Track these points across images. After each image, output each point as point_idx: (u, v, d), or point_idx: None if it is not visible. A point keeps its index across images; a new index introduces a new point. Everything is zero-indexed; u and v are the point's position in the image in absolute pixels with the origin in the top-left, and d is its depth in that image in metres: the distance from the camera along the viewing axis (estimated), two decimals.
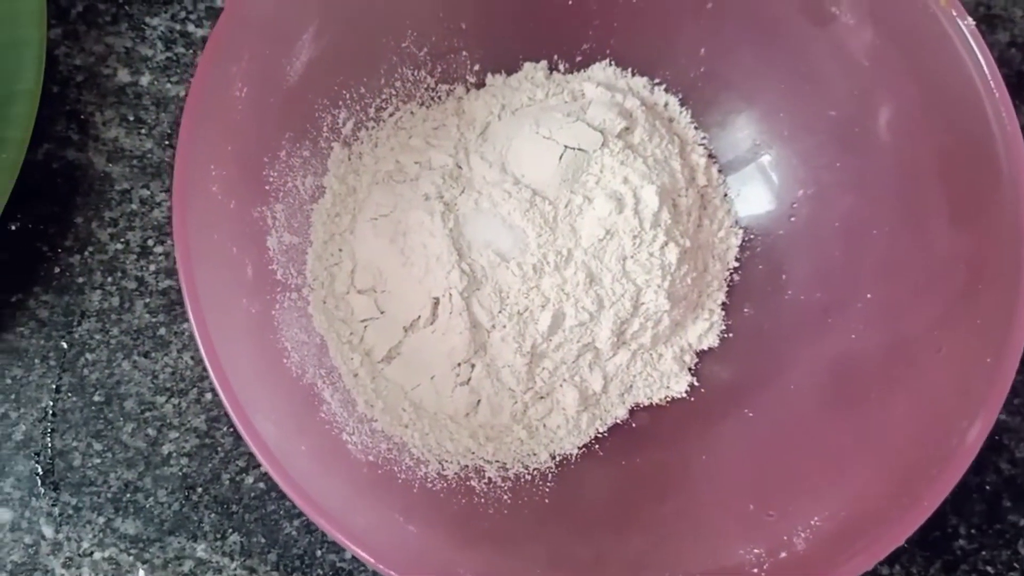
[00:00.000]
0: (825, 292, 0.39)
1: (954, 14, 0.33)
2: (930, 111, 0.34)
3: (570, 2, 0.40)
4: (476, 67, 0.42)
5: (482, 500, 0.36)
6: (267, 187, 0.35)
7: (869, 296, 0.37)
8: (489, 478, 0.37)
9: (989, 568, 0.41)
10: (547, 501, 0.37)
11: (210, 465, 0.40)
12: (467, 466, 0.37)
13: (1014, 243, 0.31)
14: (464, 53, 0.41)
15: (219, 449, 0.41)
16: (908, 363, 0.34)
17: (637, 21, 0.40)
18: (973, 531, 0.41)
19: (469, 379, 0.38)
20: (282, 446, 0.30)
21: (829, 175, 0.39)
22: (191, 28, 0.44)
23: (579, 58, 0.42)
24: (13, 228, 0.42)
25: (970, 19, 0.32)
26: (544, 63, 0.42)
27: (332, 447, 0.34)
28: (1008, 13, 0.46)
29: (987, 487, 0.42)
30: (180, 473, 0.40)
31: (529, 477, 0.38)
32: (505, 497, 0.37)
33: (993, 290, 0.32)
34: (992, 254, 0.32)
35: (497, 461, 0.38)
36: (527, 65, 0.42)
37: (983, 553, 0.41)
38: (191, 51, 0.44)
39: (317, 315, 0.37)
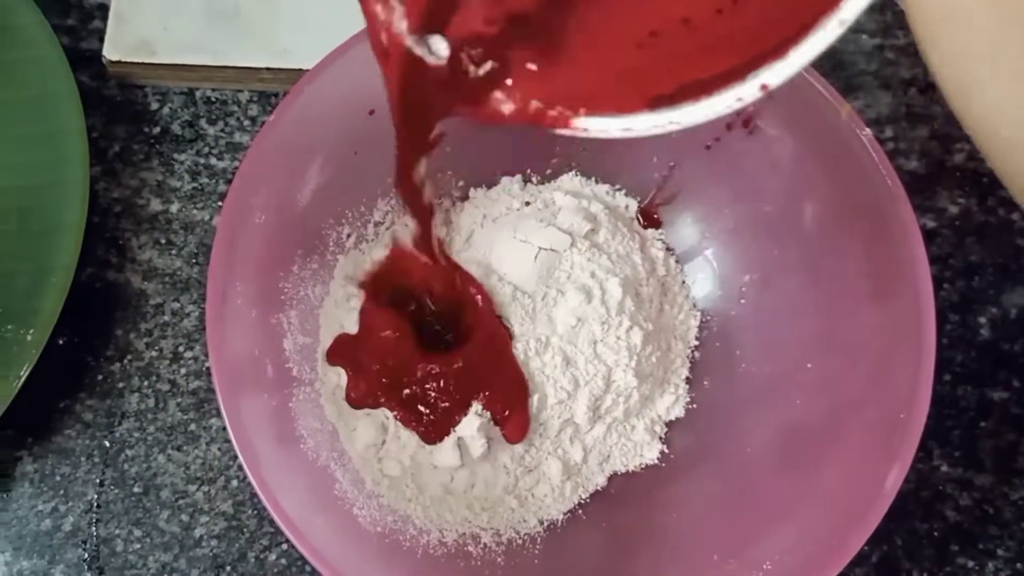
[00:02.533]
0: (773, 365, 0.44)
1: (854, 126, 0.39)
2: (844, 206, 0.40)
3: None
4: (460, 183, 0.48)
5: (478, 563, 0.41)
6: (282, 297, 0.41)
7: (810, 367, 0.42)
8: (484, 543, 0.42)
9: None
10: (536, 562, 0.42)
11: (237, 545, 0.45)
12: (464, 533, 0.42)
13: (916, 317, 0.37)
14: (449, 172, 0.47)
15: (244, 530, 0.46)
16: (841, 425, 0.39)
17: (598, 139, 0.47)
18: (925, 574, 0.46)
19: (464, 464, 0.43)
20: (303, 520, 0.35)
21: (769, 262, 0.45)
22: (213, 161, 0.51)
23: (549, 171, 0.48)
24: (61, 342, 0.48)
25: (867, 130, 0.39)
26: (519, 176, 0.48)
27: (345, 520, 0.39)
28: (928, 110, 0.52)
29: (936, 533, 0.46)
30: (211, 554, 0.45)
31: (520, 541, 0.43)
32: (499, 560, 0.42)
33: (903, 356, 0.37)
34: (902, 326, 0.38)
35: (491, 528, 0.43)
36: (504, 179, 0.48)
37: None
38: (214, 180, 0.51)
39: (328, 406, 0.42)
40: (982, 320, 0.49)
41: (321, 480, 0.40)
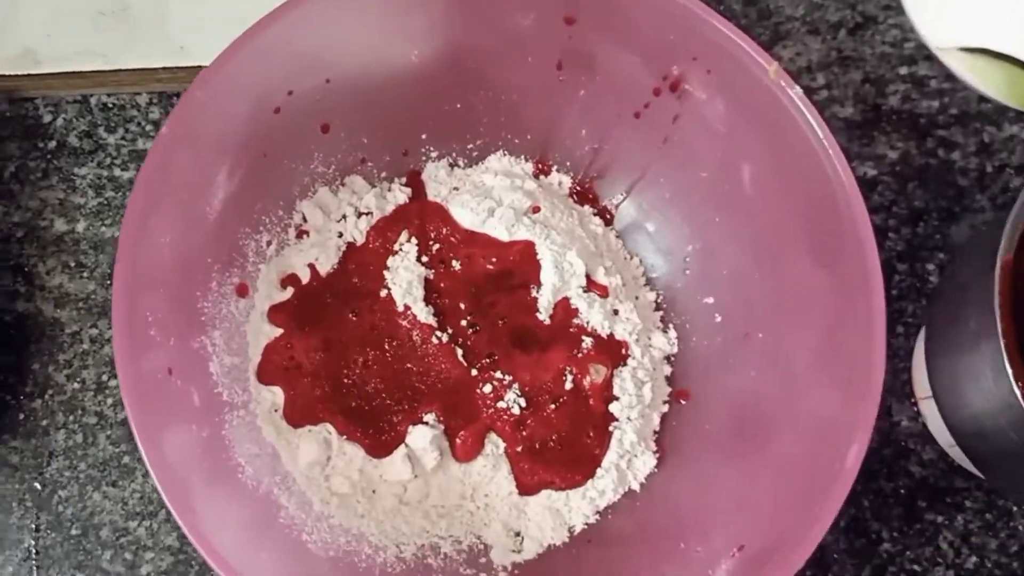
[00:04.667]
0: (723, 336, 0.42)
1: (783, 84, 0.37)
2: (781, 168, 0.39)
3: (459, 105, 0.44)
4: (383, 174, 0.45)
5: None
6: (203, 318, 0.39)
7: (760, 336, 0.41)
8: (445, 553, 0.40)
9: (916, 567, 0.44)
10: (503, 570, 0.40)
11: None
12: (423, 545, 0.40)
13: (863, 280, 0.35)
14: (369, 164, 0.45)
15: (193, 563, 0.43)
16: (797, 396, 0.38)
17: (520, 114, 0.44)
18: (895, 534, 0.45)
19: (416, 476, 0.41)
20: (244, 559, 0.33)
21: (711, 230, 0.43)
22: (117, 172, 0.48)
23: (475, 152, 0.46)
24: None
25: (797, 87, 0.37)
26: (444, 161, 0.46)
27: (293, 549, 0.37)
28: (859, 52, 0.50)
29: (902, 491, 0.45)
30: None
31: (482, 547, 0.41)
32: (462, 570, 0.40)
33: (854, 322, 0.36)
34: (849, 290, 0.36)
35: (451, 536, 0.41)
36: (429, 165, 0.46)
37: (907, 553, 0.44)
38: (120, 193, 0.47)
39: (265, 426, 0.40)
40: (930, 267, 0.48)
41: (264, 509, 0.37)
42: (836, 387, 0.36)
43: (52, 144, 0.48)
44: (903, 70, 0.50)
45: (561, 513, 0.41)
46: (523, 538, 0.41)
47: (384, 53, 0.41)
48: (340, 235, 0.44)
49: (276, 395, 0.41)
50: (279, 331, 0.41)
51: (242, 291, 0.41)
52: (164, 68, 0.47)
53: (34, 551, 0.43)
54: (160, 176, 0.36)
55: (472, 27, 0.41)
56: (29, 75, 0.47)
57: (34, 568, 0.43)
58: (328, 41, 0.39)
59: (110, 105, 0.49)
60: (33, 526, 0.44)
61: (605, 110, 0.43)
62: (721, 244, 0.43)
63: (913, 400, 0.45)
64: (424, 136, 0.45)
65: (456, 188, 0.45)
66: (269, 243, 0.42)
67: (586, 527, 0.41)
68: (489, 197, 0.44)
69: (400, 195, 0.45)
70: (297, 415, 0.40)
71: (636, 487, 0.42)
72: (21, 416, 0.45)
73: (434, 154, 0.46)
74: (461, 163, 0.46)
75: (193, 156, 0.38)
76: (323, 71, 0.40)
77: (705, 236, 0.43)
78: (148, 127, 0.48)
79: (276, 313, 0.42)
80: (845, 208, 0.36)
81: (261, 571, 0.34)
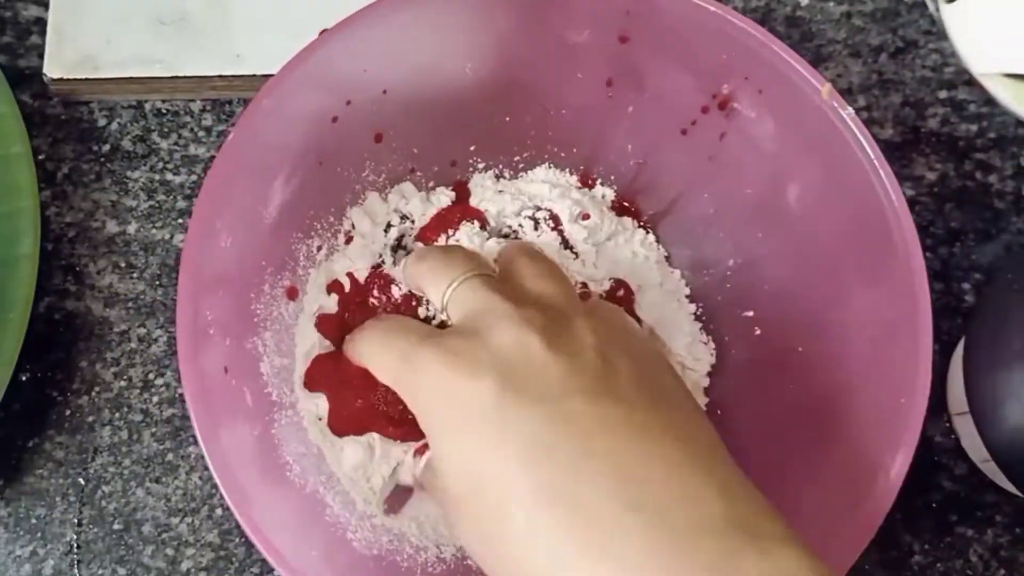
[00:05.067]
0: (762, 351, 0.43)
1: (836, 105, 0.38)
2: (830, 187, 0.39)
3: (507, 119, 0.45)
4: (431, 183, 0.46)
5: None
6: (255, 319, 0.39)
7: (800, 350, 0.41)
8: None
9: None
10: None
11: (227, 575, 0.44)
12: (463, 547, 0.41)
13: (911, 300, 0.36)
14: (419, 173, 0.45)
15: (234, 559, 0.44)
16: (838, 411, 0.38)
17: (567, 128, 0.45)
18: (927, 546, 0.45)
19: None
20: (297, 554, 0.34)
21: (753, 245, 0.43)
22: (169, 176, 0.49)
23: (521, 164, 0.47)
24: (24, 379, 0.46)
25: (849, 108, 0.37)
26: (491, 172, 0.47)
27: (339, 547, 0.38)
28: (899, 76, 0.51)
29: (934, 504, 0.46)
30: None
31: None
32: None
33: (901, 340, 0.36)
34: (897, 309, 0.37)
35: None
36: (475, 176, 0.47)
37: (938, 565, 0.45)
38: (171, 197, 0.48)
39: (311, 428, 0.40)
40: (966, 286, 0.48)
41: (311, 507, 0.38)
42: (878, 402, 0.36)
43: (106, 147, 0.49)
44: (942, 94, 0.51)
45: None
46: None
47: (440, 66, 0.42)
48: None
49: (319, 406, 0.41)
50: (324, 339, 0.42)
51: (292, 294, 0.42)
52: (220, 76, 0.48)
53: (76, 545, 0.44)
54: (226, 181, 0.37)
55: (527, 43, 0.42)
56: (87, 79, 0.48)
57: (75, 562, 0.44)
58: (388, 53, 0.40)
59: (164, 111, 0.50)
60: (76, 520, 0.44)
61: (652, 126, 0.44)
62: (763, 259, 0.43)
63: (946, 417, 0.46)
64: (472, 148, 0.46)
65: (501, 191, 0.46)
66: (319, 248, 0.43)
67: None
68: (535, 204, 0.45)
69: (444, 199, 0.46)
70: (342, 425, 0.41)
71: None
72: (68, 412, 0.46)
73: (481, 165, 0.47)
74: (507, 174, 0.47)
75: (256, 163, 0.38)
76: (381, 82, 0.41)
77: (747, 251, 0.44)
78: (201, 133, 0.49)
79: (324, 323, 0.42)
80: (896, 227, 0.36)
81: (311, 566, 0.35)
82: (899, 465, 0.34)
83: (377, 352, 0.38)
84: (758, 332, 0.44)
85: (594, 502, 0.30)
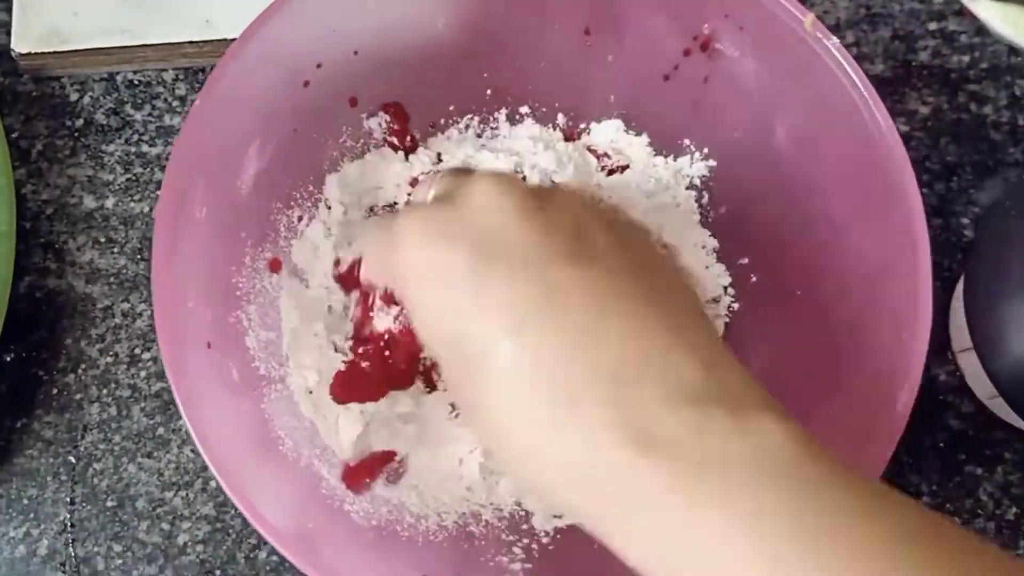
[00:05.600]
0: (760, 297, 0.42)
1: (819, 35, 0.36)
2: (819, 123, 0.38)
3: (485, 75, 0.44)
4: (411, 146, 0.45)
5: (482, 543, 0.39)
6: (238, 292, 0.39)
7: (799, 293, 0.40)
8: (487, 520, 0.40)
9: (955, 518, 0.44)
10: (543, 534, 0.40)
11: (224, 547, 0.43)
12: (464, 513, 0.40)
13: (910, 235, 0.35)
14: (396, 138, 0.44)
15: (230, 531, 0.44)
16: (840, 350, 0.38)
17: (548, 81, 0.44)
18: (935, 487, 0.45)
19: None
20: (291, 528, 0.33)
21: (743, 191, 0.42)
22: (145, 148, 0.48)
23: (504, 121, 0.45)
24: (8, 359, 0.45)
25: (834, 38, 0.36)
26: (471, 132, 0.45)
27: (336, 519, 0.37)
28: (887, 9, 0.50)
29: (941, 444, 0.45)
30: (198, 560, 0.43)
31: (523, 513, 0.41)
32: (504, 536, 0.40)
33: (899, 277, 0.35)
34: (894, 247, 0.36)
35: (492, 504, 0.41)
36: (455, 135, 0.45)
37: (947, 506, 0.44)
38: (148, 169, 0.47)
39: (302, 401, 0.40)
40: (965, 221, 0.47)
41: (305, 480, 0.38)
42: (880, 341, 0.36)
43: (79, 122, 0.48)
44: (932, 25, 0.49)
45: None
46: None
47: (411, 22, 0.41)
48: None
49: (308, 379, 0.40)
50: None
51: (275, 266, 0.41)
52: (190, 42, 0.47)
53: (70, 524, 0.44)
54: (195, 149, 0.36)
55: None
56: (55, 53, 0.46)
57: (70, 541, 0.43)
58: (356, 11, 0.39)
59: (136, 82, 0.48)
60: (68, 499, 0.44)
61: (634, 74, 0.43)
62: (754, 204, 0.42)
63: (950, 354, 0.45)
64: (452, 108, 0.45)
65: (483, 147, 0.45)
66: (300, 218, 0.42)
67: None
68: (517, 158, 0.44)
69: (426, 161, 0.45)
70: (344, 394, 0.40)
71: None
72: (55, 391, 0.45)
73: (462, 124, 0.45)
74: (490, 132, 0.46)
75: (225, 130, 0.38)
76: (351, 43, 0.40)
77: (737, 197, 0.43)
78: (175, 103, 0.48)
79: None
80: (888, 159, 0.35)
81: (308, 540, 0.34)
82: (904, 400, 0.33)
83: (369, 252, 0.38)
84: (754, 279, 0.43)
85: (567, 366, 0.29)
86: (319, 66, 0.40)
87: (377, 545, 0.37)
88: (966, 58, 0.49)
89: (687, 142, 0.44)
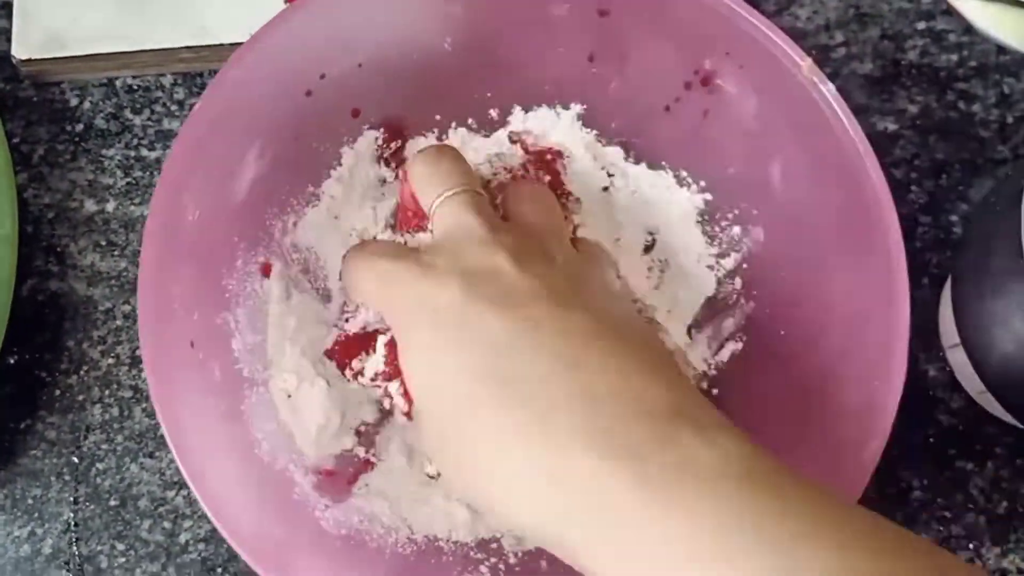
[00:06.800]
0: (743, 332, 0.43)
1: (816, 80, 0.37)
2: (812, 164, 0.39)
3: (489, 94, 0.44)
4: (404, 153, 0.45)
5: (450, 559, 0.39)
6: (227, 295, 0.39)
7: (783, 334, 0.41)
8: (456, 538, 0.40)
9: (946, 513, 0.45)
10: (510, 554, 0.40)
11: (226, 546, 0.44)
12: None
13: (887, 270, 0.37)
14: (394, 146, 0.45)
15: None
16: (812, 393, 0.39)
17: (550, 104, 0.45)
18: (926, 482, 0.45)
19: None
20: (259, 533, 0.34)
21: (735, 224, 0.43)
22: (144, 152, 0.48)
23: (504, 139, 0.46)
24: (12, 361, 0.46)
25: (830, 84, 0.37)
26: (462, 130, 0.46)
27: (307, 526, 0.38)
28: (876, 9, 0.50)
29: (931, 439, 0.45)
30: (199, 558, 0.44)
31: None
32: (472, 553, 0.40)
33: (880, 312, 0.37)
34: (873, 291, 0.37)
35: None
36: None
37: (938, 500, 0.45)
38: (148, 173, 0.48)
39: (281, 406, 0.40)
40: (954, 218, 0.48)
41: (279, 485, 0.38)
42: (851, 388, 0.37)
43: (79, 127, 0.49)
44: (921, 25, 0.50)
45: None
46: None
47: (418, 39, 0.42)
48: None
49: (287, 383, 0.41)
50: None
51: (267, 271, 0.42)
52: (186, 48, 0.47)
53: (73, 523, 0.44)
54: (192, 153, 0.37)
55: (507, 16, 0.41)
56: (55, 59, 0.47)
57: (74, 540, 0.44)
58: (363, 25, 0.40)
59: (135, 87, 0.49)
60: (72, 499, 0.45)
61: (636, 103, 0.43)
62: (745, 238, 0.43)
63: (940, 350, 0.46)
64: (453, 124, 0.45)
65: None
66: (295, 224, 0.43)
67: None
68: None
69: None
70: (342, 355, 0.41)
71: None
72: (57, 392, 0.46)
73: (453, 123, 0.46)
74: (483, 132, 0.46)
75: (225, 134, 0.38)
76: (356, 55, 0.40)
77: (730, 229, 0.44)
78: (173, 107, 0.49)
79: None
80: (875, 205, 0.37)
81: (275, 547, 0.35)
82: (891, 400, 0.34)
83: (362, 276, 0.39)
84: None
85: (538, 387, 0.31)
86: (322, 76, 0.40)
87: (345, 554, 0.37)
88: (954, 57, 0.49)
89: (684, 174, 0.44)
